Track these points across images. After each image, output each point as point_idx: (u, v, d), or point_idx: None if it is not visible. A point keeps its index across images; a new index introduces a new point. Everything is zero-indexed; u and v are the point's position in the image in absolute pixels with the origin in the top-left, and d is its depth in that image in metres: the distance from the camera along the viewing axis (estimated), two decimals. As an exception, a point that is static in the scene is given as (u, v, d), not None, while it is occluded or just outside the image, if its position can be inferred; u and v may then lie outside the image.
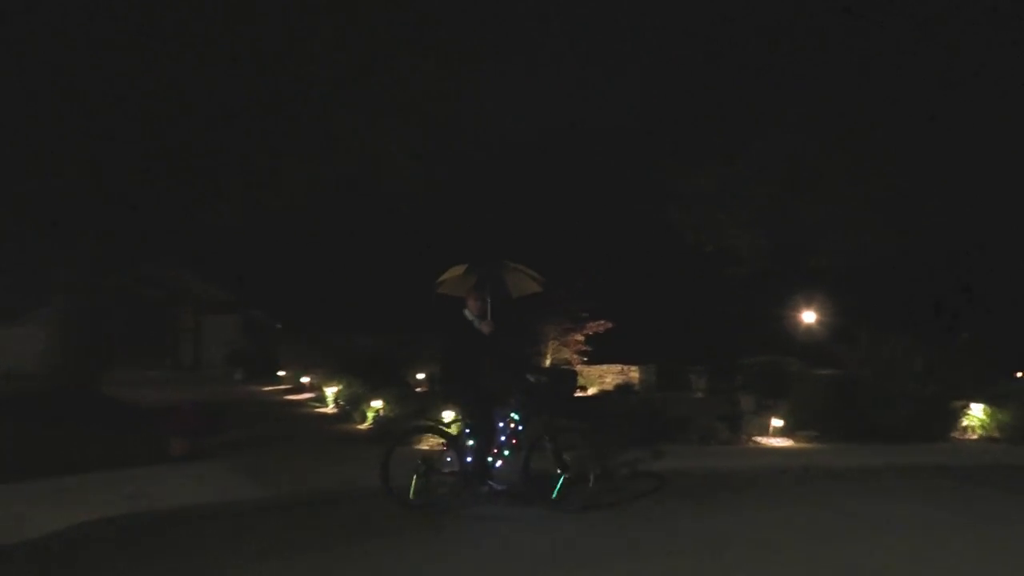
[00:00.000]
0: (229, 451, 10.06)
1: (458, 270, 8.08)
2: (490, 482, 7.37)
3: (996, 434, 11.88)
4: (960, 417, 12.25)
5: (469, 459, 7.35)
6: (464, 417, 7.65)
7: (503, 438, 7.53)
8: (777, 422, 11.86)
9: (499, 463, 7.50)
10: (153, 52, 10.84)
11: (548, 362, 23.98)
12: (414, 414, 11.54)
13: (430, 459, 7.46)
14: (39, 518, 6.60)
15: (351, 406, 14.33)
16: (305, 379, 19.47)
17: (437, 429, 7.92)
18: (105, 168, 11.74)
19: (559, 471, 7.30)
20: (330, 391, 16.04)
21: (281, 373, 22.50)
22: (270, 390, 20.82)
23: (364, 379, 15.39)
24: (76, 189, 12.03)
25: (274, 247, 25.71)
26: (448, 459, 7.50)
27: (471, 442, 7.39)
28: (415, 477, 7.23)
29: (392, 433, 8.33)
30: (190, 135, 11.79)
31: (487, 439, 7.39)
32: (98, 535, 6.37)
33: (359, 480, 8.56)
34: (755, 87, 18.98)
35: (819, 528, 6.58)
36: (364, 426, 12.92)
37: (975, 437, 12.03)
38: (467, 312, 7.64)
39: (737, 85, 19.16)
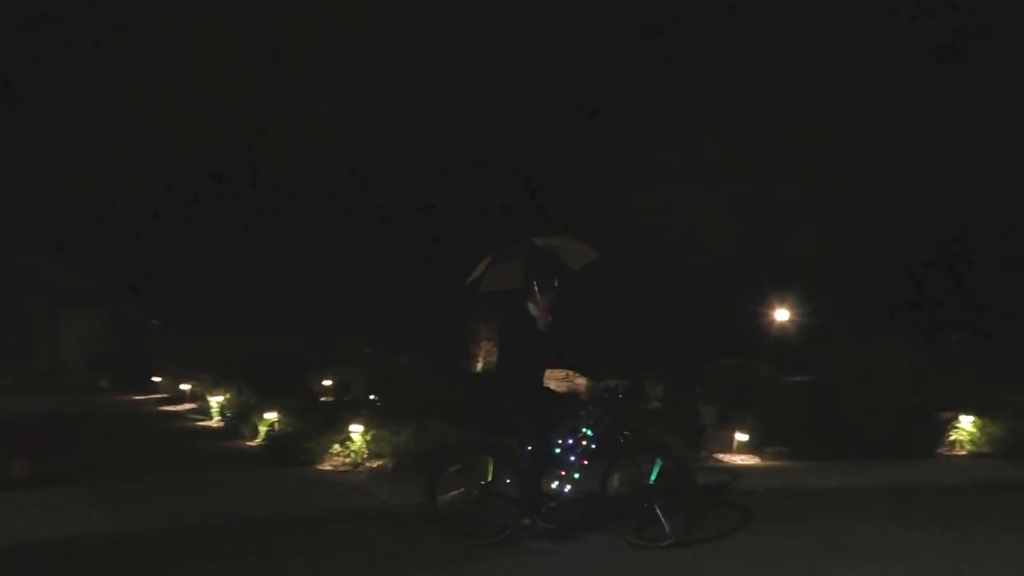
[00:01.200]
0: (86, 474, 9.82)
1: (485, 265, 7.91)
2: (535, 516, 7.17)
3: (987, 449, 12.25)
4: (948, 430, 12.60)
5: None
6: (520, 434, 7.43)
7: (572, 458, 7.30)
8: (742, 436, 12.01)
9: (567, 488, 7.31)
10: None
11: (480, 366, 23.87)
12: (318, 428, 11.40)
13: (484, 480, 7.27)
14: None
15: (240, 419, 14.09)
16: (185, 387, 19.09)
17: (491, 446, 7.84)
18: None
19: (645, 497, 7.15)
20: (215, 401, 15.76)
21: (157, 380, 22.02)
22: (143, 400, 20.38)
23: (257, 386, 15.14)
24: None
25: (151, 229, 25.16)
26: (508, 481, 7.29)
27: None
28: (464, 500, 7.23)
29: (437, 456, 8.26)
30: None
31: (540, 460, 7.22)
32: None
33: (244, 509, 8.41)
34: (722, 55, 19.29)
35: (785, 559, 6.68)
36: (255, 442, 12.72)
37: (964, 452, 12.40)
38: (532, 307, 7.39)
39: (701, 53, 19.44)
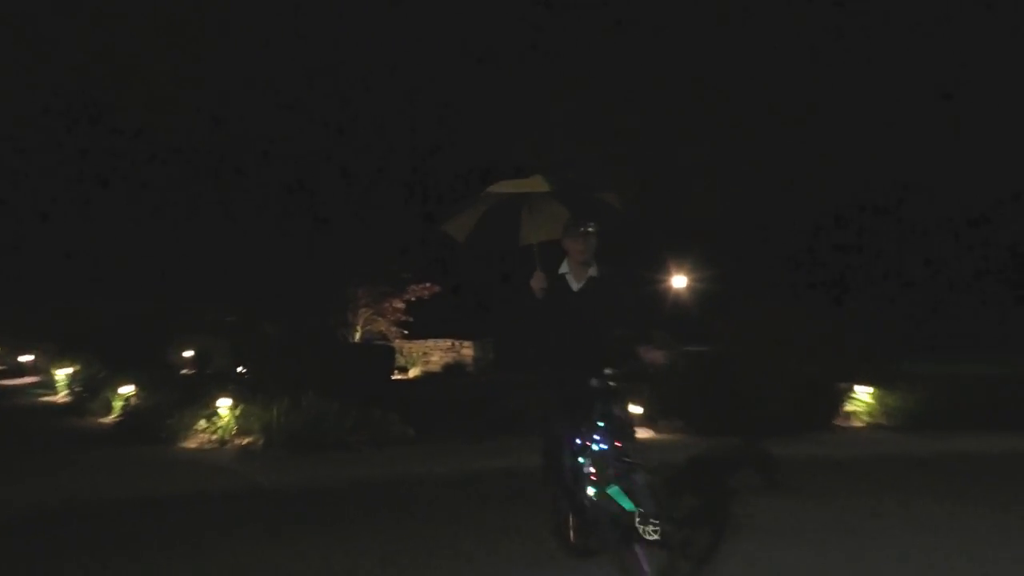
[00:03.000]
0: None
1: (525, 185, 6.19)
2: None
3: (883, 421, 12.91)
4: (844, 401, 13.20)
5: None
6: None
7: (589, 469, 5.71)
8: (636, 409, 12.36)
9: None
10: None
11: (358, 336, 23.72)
12: (180, 403, 11.25)
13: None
14: None
15: (90, 393, 13.80)
16: (26, 358, 18.53)
17: None
18: None
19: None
20: (61, 373, 15.38)
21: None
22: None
23: (109, 358, 14.85)
24: None
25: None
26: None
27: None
28: None
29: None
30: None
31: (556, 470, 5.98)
32: None
33: (99, 491, 8.30)
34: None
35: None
36: (109, 419, 12.51)
37: (861, 424, 13.04)
38: (566, 268, 6.06)
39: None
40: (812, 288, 18.57)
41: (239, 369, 15.87)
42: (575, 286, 6.00)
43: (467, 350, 23.56)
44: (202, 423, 10.86)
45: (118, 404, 12.50)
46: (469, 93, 19.81)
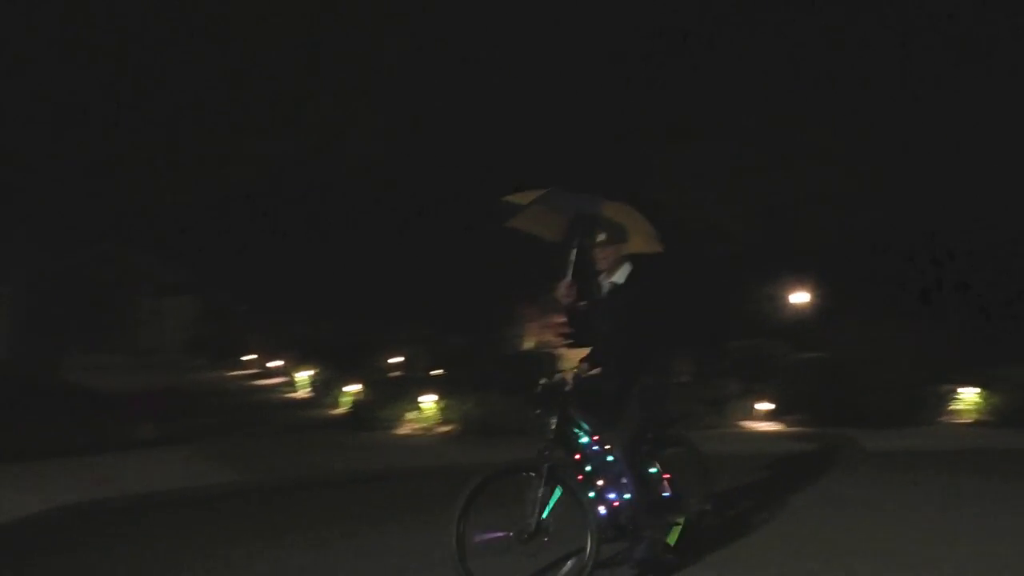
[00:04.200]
0: (198, 437, 10.31)
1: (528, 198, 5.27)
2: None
3: (988, 418, 12.33)
4: (950, 401, 12.68)
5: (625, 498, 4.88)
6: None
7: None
8: (763, 406, 12.28)
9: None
10: (112, 28, 11.01)
11: (529, 345, 24.19)
12: (394, 399, 11.81)
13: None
14: (11, 502, 6.86)
15: (324, 391, 14.59)
16: (274, 364, 19.68)
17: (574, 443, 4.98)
18: (62, 141, 11.90)
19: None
20: (301, 376, 16.29)
21: (247, 358, 22.68)
22: (236, 375, 21.05)
23: (336, 363, 15.63)
24: (34, 161, 12.17)
25: (238, 227, 25.78)
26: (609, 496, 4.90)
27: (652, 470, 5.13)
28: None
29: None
30: (145, 111, 12.00)
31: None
32: (71, 519, 6.64)
33: (334, 465, 8.91)
34: (731, 56, 19.21)
35: (795, 506, 6.93)
36: (339, 411, 13.20)
37: (966, 421, 12.48)
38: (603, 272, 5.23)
39: (712, 54, 19.36)
40: (919, 299, 17.79)
41: (435, 372, 16.49)
42: (599, 293, 5.26)
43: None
44: (410, 415, 11.43)
45: (346, 400, 13.18)
46: (615, 120, 19.53)
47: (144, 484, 7.71)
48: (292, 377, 17.09)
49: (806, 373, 12.98)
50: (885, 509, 6.80)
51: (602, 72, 19.52)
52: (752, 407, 12.33)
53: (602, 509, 4.81)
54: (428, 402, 11.28)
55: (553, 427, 4.75)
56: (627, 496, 4.87)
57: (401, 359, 19.33)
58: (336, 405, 13.53)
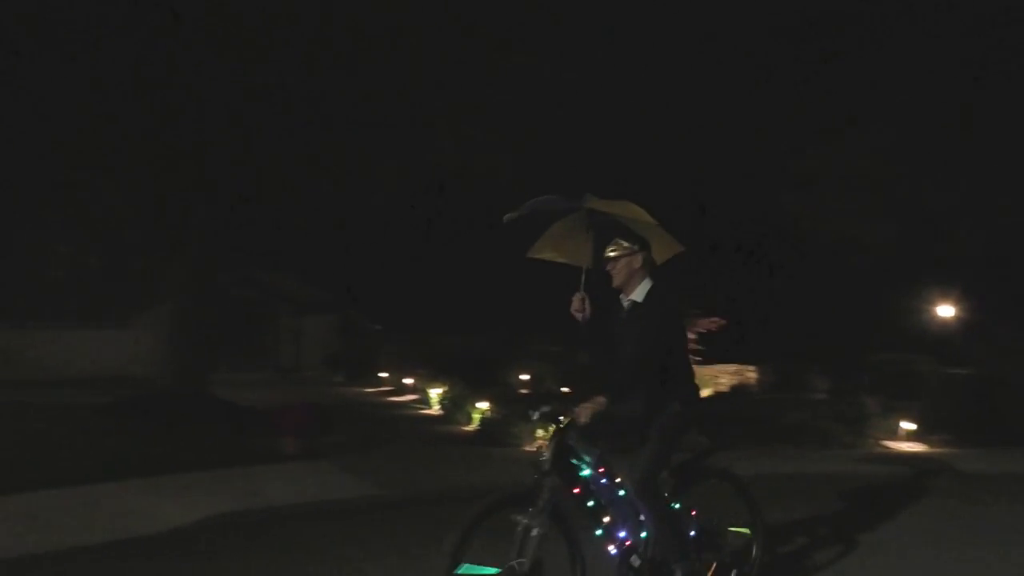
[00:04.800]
0: (338, 451, 10.64)
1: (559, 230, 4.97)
2: None
3: None
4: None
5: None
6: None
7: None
8: (907, 425, 11.71)
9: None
10: (258, 49, 11.63)
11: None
12: (521, 415, 11.91)
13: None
14: (166, 512, 7.31)
15: (455, 408, 14.87)
16: (407, 381, 20.18)
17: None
18: (208, 167, 12.66)
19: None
20: (434, 392, 16.65)
21: (382, 375, 23.34)
22: (372, 392, 21.67)
23: (467, 380, 15.93)
24: (184, 186, 13.00)
25: (372, 247, 26.66)
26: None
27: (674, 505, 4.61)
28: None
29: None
30: (284, 135, 12.60)
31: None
32: (220, 528, 7.01)
33: (466, 481, 9.06)
34: (869, 61, 18.48)
35: (949, 533, 6.59)
36: (469, 427, 13.42)
37: None
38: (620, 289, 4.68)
39: (848, 59, 18.68)
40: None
41: (563, 389, 16.58)
42: (622, 313, 4.68)
43: (750, 373, 23.03)
44: (539, 431, 11.48)
45: (476, 416, 13.39)
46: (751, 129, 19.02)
47: (285, 496, 8.06)
48: (425, 393, 17.49)
49: (954, 390, 12.31)
50: (982, 543, 6.30)
51: (738, 79, 19.15)
52: (896, 426, 11.76)
53: (612, 549, 4.36)
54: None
55: (548, 458, 4.22)
56: (643, 535, 4.41)
57: (529, 376, 19.54)
58: (468, 421, 13.75)
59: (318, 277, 30.37)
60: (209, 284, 14.00)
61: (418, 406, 17.43)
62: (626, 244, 4.57)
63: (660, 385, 4.46)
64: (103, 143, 12.20)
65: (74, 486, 8.11)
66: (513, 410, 12.62)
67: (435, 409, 16.31)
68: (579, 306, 4.61)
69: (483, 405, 13.32)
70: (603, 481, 4.41)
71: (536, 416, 4.46)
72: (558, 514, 4.16)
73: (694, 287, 22.83)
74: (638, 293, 4.58)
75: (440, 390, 16.42)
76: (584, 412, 4.26)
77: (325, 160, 13.15)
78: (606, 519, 4.36)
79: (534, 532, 4.08)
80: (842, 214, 19.35)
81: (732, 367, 23.57)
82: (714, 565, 4.72)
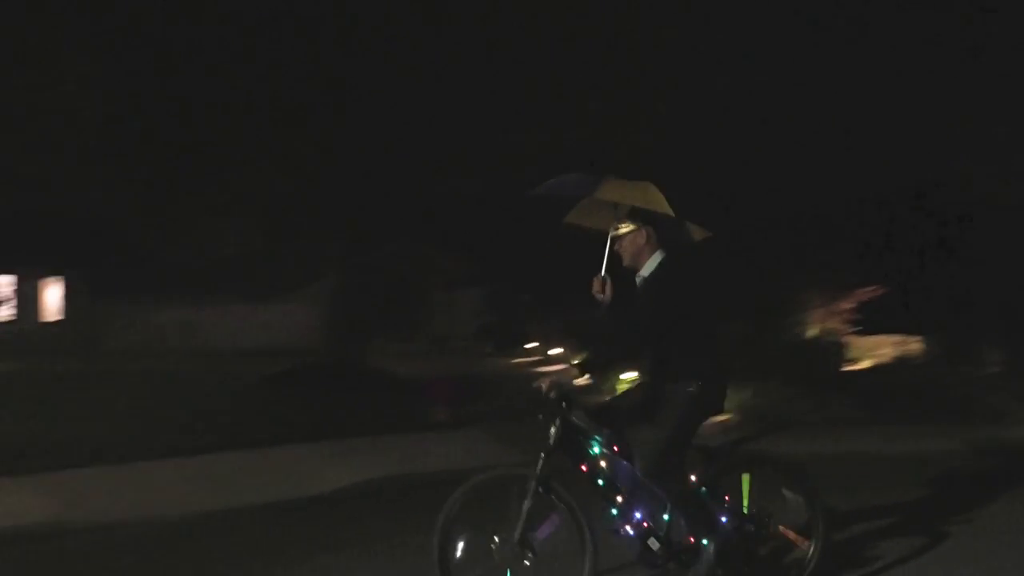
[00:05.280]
0: (486, 420, 10.88)
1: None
2: None
3: None
4: None
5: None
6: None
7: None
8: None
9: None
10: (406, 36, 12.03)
11: (813, 332, 23.10)
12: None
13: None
14: (328, 475, 7.79)
15: (603, 378, 14.88)
16: (554, 351, 20.34)
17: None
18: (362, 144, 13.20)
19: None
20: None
21: (530, 346, 23.62)
22: (520, 363, 21.99)
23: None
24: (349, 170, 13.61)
25: (521, 219, 26.95)
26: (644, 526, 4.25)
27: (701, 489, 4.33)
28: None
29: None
30: (433, 110, 12.94)
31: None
32: (377, 491, 7.42)
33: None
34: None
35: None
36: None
37: None
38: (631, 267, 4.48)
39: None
40: None
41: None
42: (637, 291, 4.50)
43: (915, 344, 21.84)
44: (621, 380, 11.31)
45: (622, 386, 13.26)
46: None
47: (437, 462, 8.37)
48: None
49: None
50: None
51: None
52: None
53: (629, 530, 4.21)
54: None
55: (552, 435, 4.15)
56: (665, 517, 4.20)
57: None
58: (613, 391, 13.74)
59: (469, 249, 31.01)
60: (364, 259, 14.62)
61: (566, 377, 17.51)
62: (629, 223, 4.39)
63: (665, 362, 4.30)
64: (271, 134, 12.95)
65: (246, 449, 8.76)
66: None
67: (583, 380, 16.36)
68: (599, 287, 4.47)
69: (630, 375, 13.29)
70: (620, 461, 4.27)
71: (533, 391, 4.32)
72: (555, 490, 4.08)
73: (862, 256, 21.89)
74: (647, 268, 4.39)
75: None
76: (545, 382, 4.27)
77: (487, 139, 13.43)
78: (619, 499, 4.21)
79: (525, 505, 4.04)
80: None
81: (895, 338, 22.45)
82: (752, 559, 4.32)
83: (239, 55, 12.06)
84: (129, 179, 13.72)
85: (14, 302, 24.33)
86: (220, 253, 18.14)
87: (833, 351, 18.58)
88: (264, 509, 6.78)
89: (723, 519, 4.24)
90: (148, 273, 22.93)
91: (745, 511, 4.32)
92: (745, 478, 4.38)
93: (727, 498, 4.32)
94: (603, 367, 4.33)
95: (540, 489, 4.05)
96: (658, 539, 4.16)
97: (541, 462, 4.09)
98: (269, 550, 5.70)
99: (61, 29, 12.07)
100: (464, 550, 4.10)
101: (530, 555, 4.03)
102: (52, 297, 25.82)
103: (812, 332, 23.22)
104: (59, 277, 25.65)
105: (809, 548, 4.39)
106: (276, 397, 12.03)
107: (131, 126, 12.74)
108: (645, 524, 4.19)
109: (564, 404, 4.19)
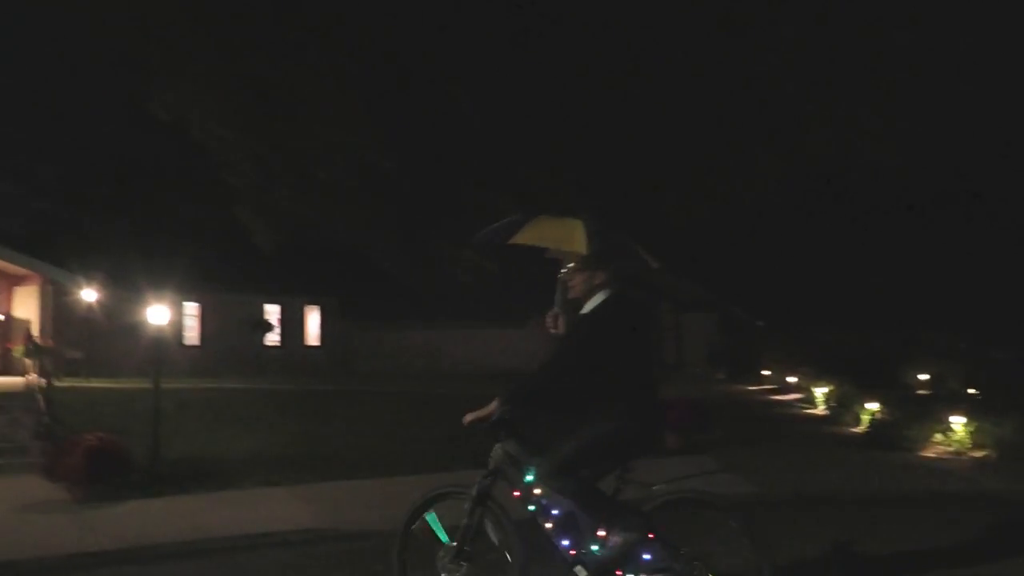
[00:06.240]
0: (718, 448, 10.85)
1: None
2: None
3: None
4: None
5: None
6: None
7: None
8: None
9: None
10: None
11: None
12: (918, 419, 11.20)
13: None
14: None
15: (842, 408, 14.33)
16: (791, 379, 19.74)
17: None
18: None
19: None
20: (819, 392, 16.16)
21: (765, 372, 23.02)
22: (754, 389, 21.50)
23: (855, 379, 15.24)
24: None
25: (752, 242, 26.38)
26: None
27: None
28: None
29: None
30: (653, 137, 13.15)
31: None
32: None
33: (849, 485, 8.81)
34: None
35: None
36: (858, 429, 12.88)
37: None
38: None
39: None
40: None
41: (968, 391, 15.19)
42: None
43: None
44: (937, 436, 10.74)
45: (866, 417, 12.81)
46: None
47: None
48: (810, 392, 17.02)
49: None
50: None
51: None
52: None
53: (561, 555, 4.31)
54: (958, 423, 10.46)
55: (491, 460, 4.46)
56: (594, 548, 4.17)
57: (929, 375, 18.07)
58: (856, 423, 13.19)
59: (700, 274, 30.67)
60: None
61: (802, 405, 17.01)
62: (581, 262, 4.49)
63: (585, 399, 4.32)
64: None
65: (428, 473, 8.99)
66: (908, 412, 11.89)
67: (820, 409, 15.81)
68: (552, 324, 4.69)
69: (873, 406, 12.70)
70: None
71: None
72: (491, 510, 4.40)
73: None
74: (588, 305, 4.45)
75: (826, 389, 15.90)
76: (467, 417, 4.48)
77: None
78: (548, 525, 4.32)
79: (463, 521, 4.41)
80: None
81: None
82: None
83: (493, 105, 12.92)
84: (382, 214, 14.97)
85: (278, 329, 26.84)
86: (461, 279, 19.21)
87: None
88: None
89: (646, 557, 4.16)
90: (397, 300, 24.71)
91: (681, 550, 4.23)
92: (685, 517, 4.39)
93: (651, 536, 4.21)
94: (524, 398, 4.40)
95: (477, 508, 4.40)
96: (585, 567, 4.21)
97: (478, 484, 4.43)
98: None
99: (354, 92, 13.43)
100: (417, 554, 4.60)
101: (464, 567, 4.40)
102: (313, 323, 28.36)
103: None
104: (317, 305, 28.14)
105: None
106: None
107: (387, 167, 13.93)
108: (572, 552, 4.27)
109: (501, 434, 4.43)
